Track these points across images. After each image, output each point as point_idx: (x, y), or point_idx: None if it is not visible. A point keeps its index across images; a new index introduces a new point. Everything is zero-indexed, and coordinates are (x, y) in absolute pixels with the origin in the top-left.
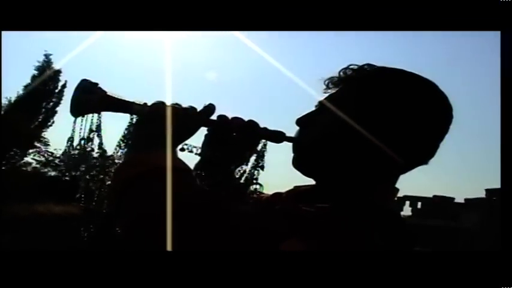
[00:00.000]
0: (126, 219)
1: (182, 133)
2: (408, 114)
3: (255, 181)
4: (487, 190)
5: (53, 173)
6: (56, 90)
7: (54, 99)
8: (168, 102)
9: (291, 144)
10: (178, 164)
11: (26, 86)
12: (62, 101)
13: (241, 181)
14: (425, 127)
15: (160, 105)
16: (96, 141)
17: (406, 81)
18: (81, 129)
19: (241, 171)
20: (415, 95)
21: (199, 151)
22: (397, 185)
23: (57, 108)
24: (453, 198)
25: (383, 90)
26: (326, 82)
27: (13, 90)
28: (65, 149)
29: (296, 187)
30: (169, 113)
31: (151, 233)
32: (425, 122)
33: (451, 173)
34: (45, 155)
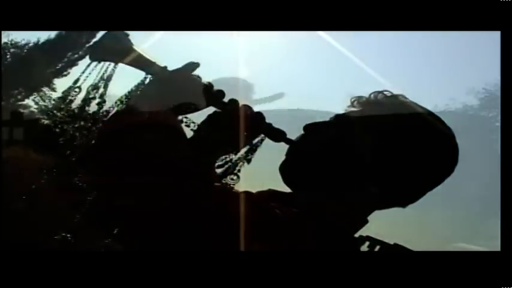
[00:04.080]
0: (109, 159)
1: (191, 103)
2: (414, 159)
3: (235, 171)
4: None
5: (46, 122)
6: (87, 45)
7: (80, 52)
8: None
9: (285, 148)
10: (181, 130)
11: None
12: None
13: (223, 168)
14: (424, 176)
15: (181, 72)
16: (101, 90)
17: (426, 126)
18: (90, 74)
19: (227, 159)
20: (428, 143)
21: (195, 128)
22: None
23: (80, 62)
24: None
25: (399, 127)
26: (352, 100)
27: (45, 33)
28: (68, 89)
29: (270, 190)
30: (187, 81)
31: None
32: (426, 171)
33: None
34: (47, 100)
